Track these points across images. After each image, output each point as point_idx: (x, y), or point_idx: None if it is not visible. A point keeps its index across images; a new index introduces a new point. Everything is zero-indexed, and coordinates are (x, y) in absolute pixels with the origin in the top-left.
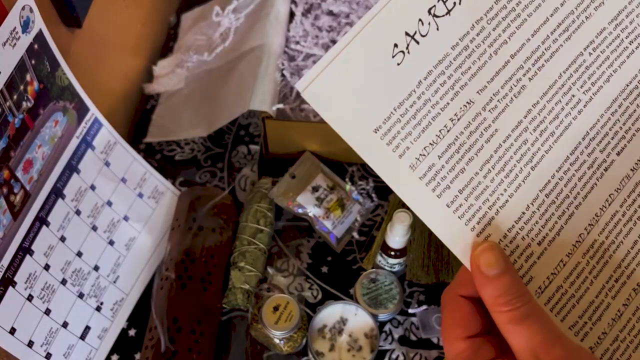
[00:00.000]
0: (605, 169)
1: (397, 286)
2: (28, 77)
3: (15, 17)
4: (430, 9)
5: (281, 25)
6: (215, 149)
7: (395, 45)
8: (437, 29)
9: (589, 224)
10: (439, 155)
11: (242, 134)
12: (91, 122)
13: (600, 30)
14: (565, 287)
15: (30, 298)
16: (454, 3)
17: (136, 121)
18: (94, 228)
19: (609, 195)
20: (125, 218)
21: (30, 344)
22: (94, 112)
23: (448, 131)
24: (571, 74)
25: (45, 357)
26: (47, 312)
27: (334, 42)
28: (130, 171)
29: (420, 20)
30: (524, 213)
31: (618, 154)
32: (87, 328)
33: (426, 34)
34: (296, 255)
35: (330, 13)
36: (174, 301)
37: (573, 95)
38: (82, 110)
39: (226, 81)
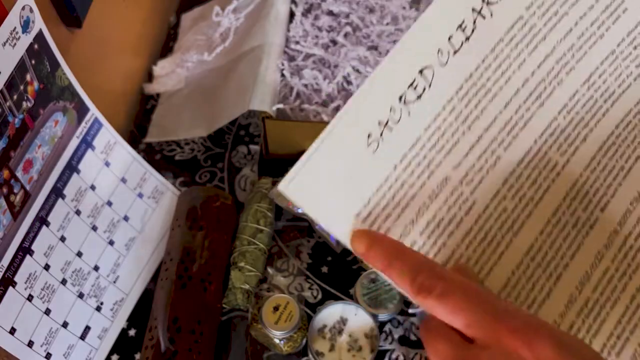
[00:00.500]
0: (591, 227)
1: None
2: (28, 77)
3: (15, 17)
4: (401, 96)
5: (281, 25)
6: (215, 149)
7: (369, 135)
8: (409, 115)
9: (580, 283)
10: (420, 232)
11: (242, 134)
12: (91, 122)
13: (573, 94)
14: None
15: (30, 298)
16: (424, 88)
17: (136, 121)
18: (94, 228)
19: (598, 252)
20: (125, 218)
21: (30, 344)
22: (94, 112)
23: (427, 209)
24: (546, 139)
25: (45, 357)
26: (47, 312)
27: (333, 42)
28: (130, 171)
29: (391, 108)
30: (509, 279)
31: (602, 210)
32: (87, 328)
33: (398, 121)
34: (296, 255)
35: (330, 13)
36: (174, 301)
37: (550, 159)
38: (82, 110)
39: (226, 81)
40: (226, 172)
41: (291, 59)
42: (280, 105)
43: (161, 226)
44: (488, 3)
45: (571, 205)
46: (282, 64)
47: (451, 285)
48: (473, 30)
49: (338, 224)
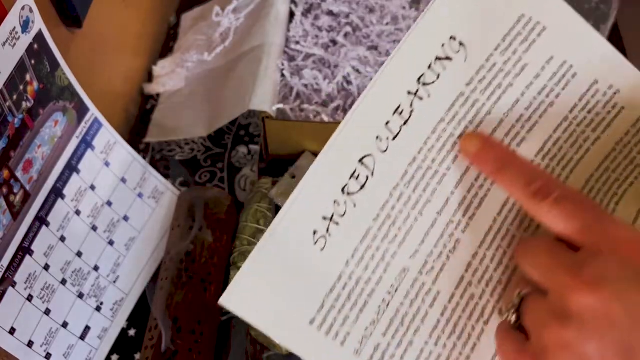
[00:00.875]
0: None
1: None
2: (28, 77)
3: (15, 17)
4: (344, 188)
5: (281, 25)
6: (215, 149)
7: (315, 232)
8: (355, 206)
9: None
10: (382, 333)
11: (242, 134)
12: (91, 122)
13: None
14: None
15: (30, 298)
16: (367, 177)
17: (136, 121)
18: (94, 228)
19: None
20: (125, 218)
21: (30, 344)
22: (93, 112)
23: (387, 305)
24: (506, 215)
25: (45, 357)
26: (47, 312)
27: (333, 42)
28: (130, 171)
29: (335, 201)
30: None
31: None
32: (87, 328)
33: (344, 214)
34: None
35: (330, 13)
36: (174, 301)
37: (513, 236)
38: (82, 110)
39: (226, 81)
40: (226, 172)
41: (291, 59)
42: (280, 105)
43: (161, 226)
44: (424, 84)
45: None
46: (282, 64)
47: (568, 192)
48: (411, 113)
49: (290, 335)
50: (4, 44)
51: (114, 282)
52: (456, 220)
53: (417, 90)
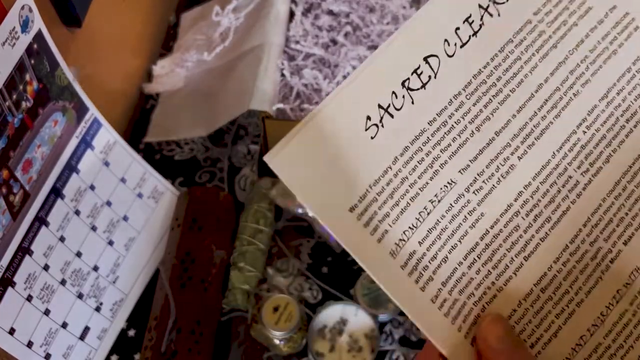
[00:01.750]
0: (611, 261)
1: None
2: (27, 77)
3: (15, 17)
4: (404, 81)
5: (281, 25)
6: (215, 148)
7: (369, 118)
8: (412, 103)
9: (593, 325)
10: (419, 242)
11: (242, 134)
12: (90, 122)
13: (591, 108)
14: None
15: (29, 298)
16: (429, 77)
17: (136, 121)
18: (94, 228)
19: (617, 292)
20: (125, 218)
21: (29, 344)
22: (93, 112)
23: (428, 214)
24: (566, 153)
25: (45, 358)
26: (47, 312)
27: (334, 41)
28: (129, 171)
29: (393, 92)
30: (514, 310)
31: (625, 243)
32: (87, 328)
33: (400, 108)
34: (296, 255)
35: (330, 12)
36: (174, 301)
37: (570, 177)
38: (81, 110)
39: (226, 81)
40: (226, 172)
41: (291, 58)
42: (280, 105)
43: (161, 226)
44: (495, 2)
45: (592, 233)
46: (282, 64)
47: None
48: (481, 26)
49: (328, 215)
50: (3, 44)
51: (114, 282)
52: (514, 145)
53: (488, 6)
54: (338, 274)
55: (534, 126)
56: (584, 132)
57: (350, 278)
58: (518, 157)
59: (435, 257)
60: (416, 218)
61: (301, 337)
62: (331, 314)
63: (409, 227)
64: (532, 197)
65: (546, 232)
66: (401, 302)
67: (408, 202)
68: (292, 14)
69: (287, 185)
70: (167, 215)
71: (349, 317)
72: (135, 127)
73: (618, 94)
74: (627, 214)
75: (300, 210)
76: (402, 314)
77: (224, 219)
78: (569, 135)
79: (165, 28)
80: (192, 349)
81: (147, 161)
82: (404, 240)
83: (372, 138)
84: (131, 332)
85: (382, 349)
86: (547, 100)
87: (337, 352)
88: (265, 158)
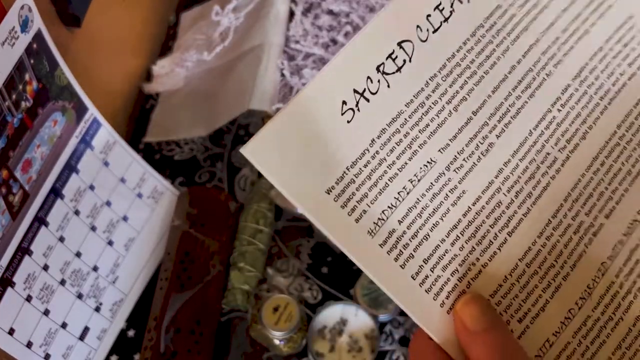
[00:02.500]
0: (594, 234)
1: None
2: (27, 77)
3: (14, 17)
4: (379, 66)
5: (281, 25)
6: (215, 148)
7: (344, 103)
8: (388, 87)
9: (581, 298)
10: (399, 220)
11: (242, 134)
12: (90, 121)
13: (565, 87)
14: None
15: (29, 298)
16: (404, 60)
17: (135, 121)
18: (93, 228)
19: (602, 264)
20: (125, 218)
21: (29, 344)
22: (93, 111)
23: (408, 193)
24: (542, 131)
25: (44, 358)
26: (46, 312)
27: (334, 41)
28: (129, 171)
29: (368, 77)
30: (500, 286)
31: (607, 216)
32: (86, 329)
33: (376, 92)
34: (296, 255)
35: (330, 12)
36: (174, 301)
37: (548, 154)
38: (81, 110)
39: (226, 80)
40: (226, 172)
41: (291, 58)
42: (280, 105)
43: (160, 226)
44: None
45: (573, 207)
46: (282, 64)
47: None
48: (451, 13)
49: (305, 199)
50: (3, 44)
51: (113, 282)
52: (491, 124)
53: None
54: (338, 274)
55: (510, 105)
56: (559, 110)
57: (350, 278)
58: (496, 135)
59: (416, 235)
60: (395, 198)
61: (301, 337)
62: (331, 314)
63: (388, 207)
64: (512, 173)
65: (528, 208)
66: (380, 280)
67: (387, 183)
68: (292, 14)
69: (262, 172)
70: (166, 215)
71: (349, 317)
72: (135, 127)
73: (591, 72)
74: (606, 188)
75: (300, 210)
76: (402, 314)
77: (224, 219)
78: (544, 113)
79: (165, 28)
80: (192, 349)
81: (147, 161)
82: (382, 220)
83: (348, 122)
84: (131, 333)
85: (382, 349)
86: (520, 81)
87: (337, 352)
88: (242, 151)
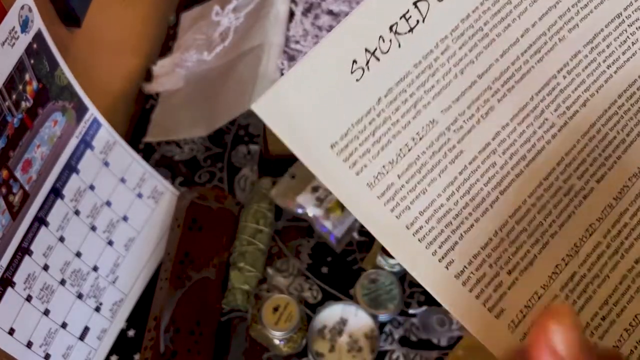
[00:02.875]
0: (584, 197)
1: (398, 287)
2: (27, 77)
3: (14, 17)
4: (392, 26)
5: (281, 25)
6: (215, 148)
7: (354, 62)
8: (399, 47)
9: (568, 255)
10: (398, 175)
11: (242, 134)
12: (90, 121)
13: (574, 53)
14: None
15: (29, 298)
16: (417, 21)
17: (135, 121)
18: (93, 228)
19: (590, 225)
20: (125, 218)
21: (29, 344)
22: (93, 112)
23: (409, 150)
24: (544, 96)
25: (44, 358)
26: (46, 312)
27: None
28: (129, 171)
29: (381, 37)
30: (491, 239)
31: (598, 181)
32: (86, 329)
33: (387, 51)
34: (296, 255)
35: (330, 12)
36: (174, 301)
37: (546, 119)
38: (81, 110)
39: (226, 81)
40: (226, 172)
41: (291, 58)
42: None
43: (160, 226)
44: None
45: (565, 171)
46: (282, 64)
47: None
48: None
49: (309, 153)
50: (3, 44)
51: (113, 282)
52: (494, 88)
53: None
54: (338, 274)
55: (516, 70)
56: (564, 77)
57: (350, 278)
58: (497, 99)
59: (414, 189)
60: (396, 154)
61: (301, 337)
62: (331, 314)
63: (389, 162)
64: (508, 137)
65: (521, 169)
66: (374, 229)
67: (389, 140)
68: (292, 14)
69: (269, 125)
70: (166, 215)
71: (349, 317)
72: (135, 127)
73: (604, 39)
74: (600, 154)
75: (300, 210)
76: (402, 314)
77: (224, 219)
78: (549, 79)
79: (165, 28)
80: (192, 349)
81: (147, 161)
82: (382, 174)
83: (357, 80)
84: (131, 333)
85: (382, 349)
86: (531, 45)
87: (337, 352)
88: (253, 107)
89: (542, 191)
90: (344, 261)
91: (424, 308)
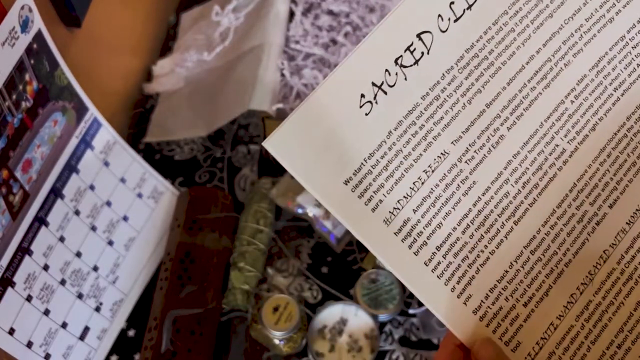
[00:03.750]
0: (597, 223)
1: (398, 286)
2: (27, 77)
3: (14, 17)
4: (397, 59)
5: (281, 25)
6: (215, 148)
7: (362, 96)
8: (405, 79)
9: (582, 283)
10: (413, 209)
11: (242, 134)
12: (90, 122)
13: (581, 77)
14: (559, 354)
15: (29, 298)
16: (422, 53)
17: (135, 121)
18: (93, 228)
19: (604, 252)
20: (125, 218)
21: (29, 344)
22: (93, 112)
23: (422, 184)
24: (553, 122)
25: (45, 358)
26: (47, 312)
27: (334, 41)
28: (129, 171)
29: (387, 70)
30: (507, 271)
31: (610, 206)
32: (87, 328)
33: (394, 84)
34: (296, 255)
35: (330, 12)
36: (174, 301)
37: (557, 145)
38: (81, 110)
39: (226, 81)
40: (226, 172)
41: (291, 58)
42: (280, 105)
43: (160, 226)
44: None
45: (578, 197)
46: (282, 64)
47: None
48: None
49: (323, 190)
50: (3, 44)
51: (114, 282)
52: (503, 116)
53: None
54: (338, 274)
55: (523, 97)
56: (572, 102)
57: (350, 278)
58: (507, 127)
59: (430, 224)
60: (410, 188)
61: (301, 337)
62: (331, 314)
63: (404, 197)
64: (520, 165)
65: (534, 198)
66: (394, 266)
67: (402, 173)
68: (292, 14)
69: (283, 164)
70: (166, 215)
71: (349, 317)
72: (135, 127)
73: (609, 62)
74: (612, 178)
75: (300, 210)
76: (402, 314)
77: (224, 219)
78: (557, 105)
79: (165, 28)
80: (192, 349)
81: (147, 161)
82: (398, 209)
83: (366, 115)
84: (131, 332)
85: (382, 349)
86: (537, 72)
87: (337, 352)
88: (264, 143)
89: (555, 219)
90: (344, 261)
91: (424, 308)
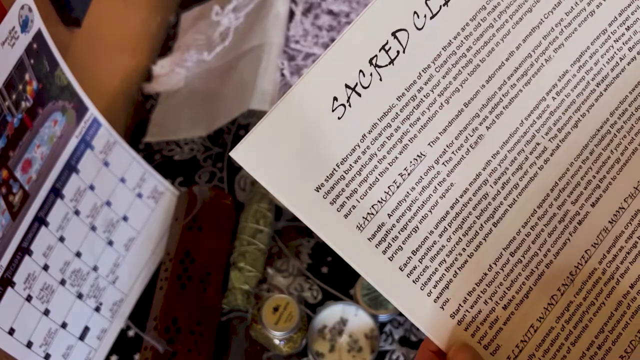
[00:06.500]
0: (579, 222)
1: None
2: (27, 77)
3: (14, 17)
4: (372, 59)
5: (281, 25)
6: (215, 148)
7: (335, 99)
8: (380, 80)
9: (563, 284)
10: (388, 214)
11: (242, 134)
12: (90, 121)
13: (562, 73)
14: (538, 356)
15: (29, 298)
16: (397, 52)
17: (135, 121)
18: (93, 228)
19: (585, 252)
20: (125, 218)
21: (29, 344)
22: (93, 111)
23: (398, 187)
24: (534, 120)
25: (44, 358)
26: (46, 312)
27: (333, 41)
28: (129, 171)
29: (361, 71)
30: (485, 274)
31: (593, 205)
32: (86, 328)
33: (368, 86)
34: (296, 255)
35: (330, 12)
36: (173, 302)
37: (538, 144)
38: (81, 109)
39: (226, 80)
40: (226, 172)
41: (291, 58)
42: None
43: (160, 226)
44: None
45: (559, 196)
46: (282, 64)
47: None
48: None
49: (294, 198)
50: (3, 44)
51: (113, 282)
52: (482, 115)
53: None
54: (338, 274)
55: (503, 95)
56: (554, 99)
57: (350, 278)
58: (486, 127)
59: (405, 228)
60: (385, 192)
61: (301, 337)
62: (331, 314)
63: (378, 201)
64: (499, 165)
65: (514, 199)
66: (367, 273)
67: (377, 178)
68: (292, 14)
69: (251, 173)
70: (166, 215)
71: (349, 317)
72: (135, 127)
73: (591, 57)
74: (594, 176)
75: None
76: (402, 314)
77: (224, 219)
78: (538, 102)
79: (165, 28)
80: (192, 349)
81: (147, 161)
82: (372, 214)
83: (339, 118)
84: (131, 332)
85: (382, 349)
86: (517, 68)
87: (337, 352)
88: (232, 154)
89: (536, 219)
90: (344, 261)
91: None
